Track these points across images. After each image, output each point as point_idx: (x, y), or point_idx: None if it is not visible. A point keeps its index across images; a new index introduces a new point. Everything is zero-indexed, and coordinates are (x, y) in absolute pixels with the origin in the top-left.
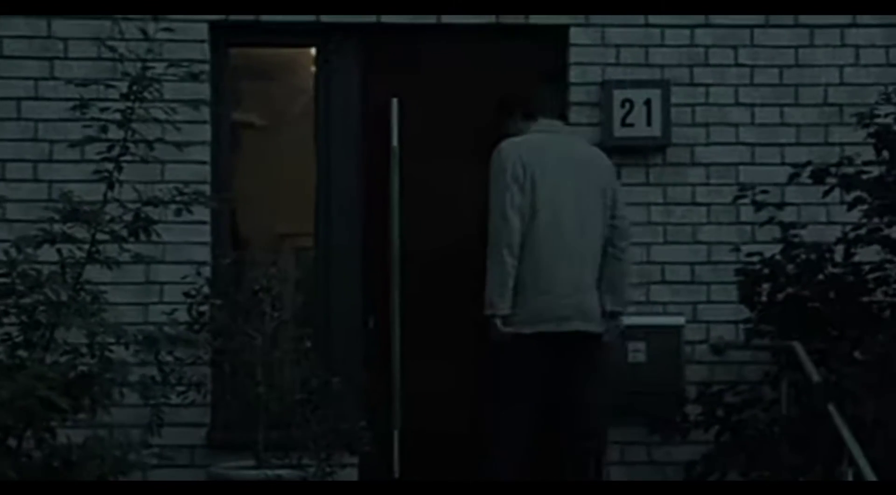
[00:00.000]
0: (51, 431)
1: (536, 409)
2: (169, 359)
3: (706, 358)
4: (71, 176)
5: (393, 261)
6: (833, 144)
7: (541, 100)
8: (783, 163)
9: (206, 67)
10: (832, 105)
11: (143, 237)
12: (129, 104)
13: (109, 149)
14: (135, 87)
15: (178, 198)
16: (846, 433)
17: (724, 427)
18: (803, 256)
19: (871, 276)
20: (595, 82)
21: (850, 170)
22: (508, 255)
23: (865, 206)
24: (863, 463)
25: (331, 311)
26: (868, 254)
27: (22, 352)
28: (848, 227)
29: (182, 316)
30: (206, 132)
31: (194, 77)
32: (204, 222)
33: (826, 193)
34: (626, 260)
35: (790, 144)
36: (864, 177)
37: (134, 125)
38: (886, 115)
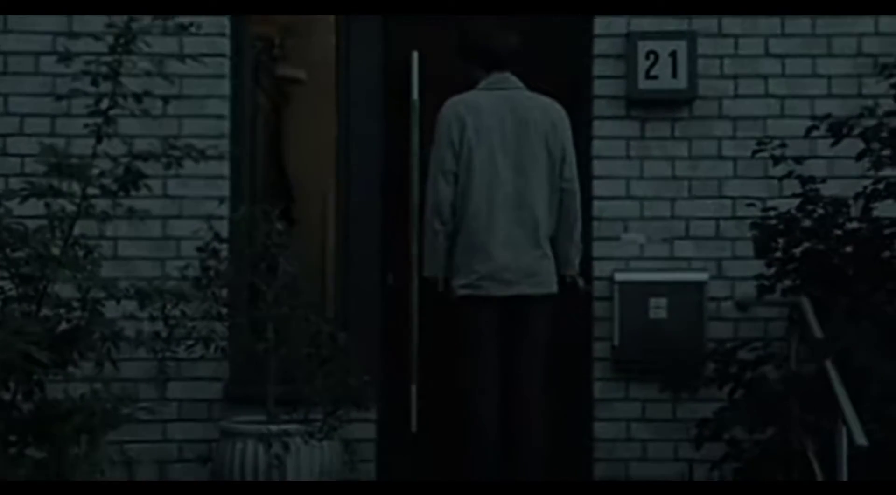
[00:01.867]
0: (39, 385)
1: (497, 366)
2: (177, 313)
3: (731, 314)
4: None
5: (412, 216)
6: (866, 96)
7: (493, 53)
8: (813, 116)
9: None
10: (866, 55)
11: (133, 191)
12: (117, 57)
13: (97, 102)
14: (121, 40)
15: (169, 153)
16: (840, 390)
17: (738, 384)
18: (820, 211)
19: (888, 231)
20: (620, 34)
21: (871, 121)
22: (437, 221)
23: (873, 158)
24: (853, 422)
25: (350, 267)
26: (891, 209)
27: (15, 306)
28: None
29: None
30: (224, 86)
31: (183, 28)
32: (223, 177)
33: (834, 144)
34: (572, 223)
35: (821, 96)
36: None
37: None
38: None
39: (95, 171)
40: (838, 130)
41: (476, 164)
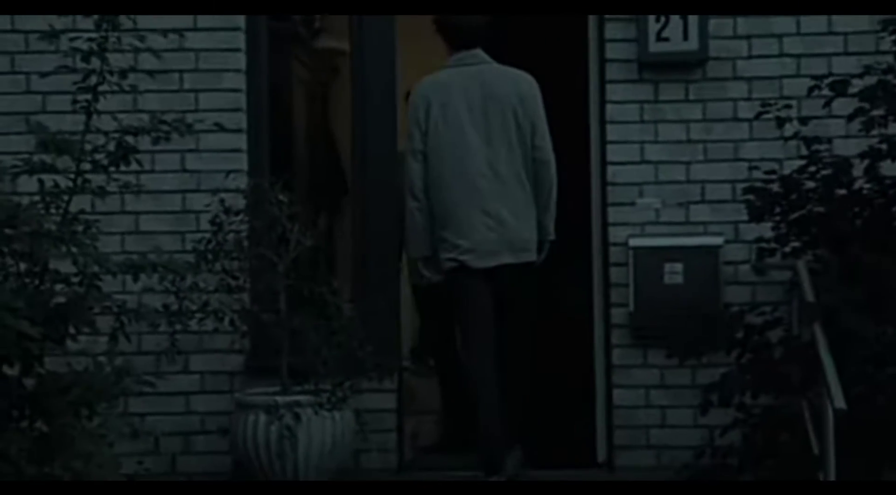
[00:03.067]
0: (38, 359)
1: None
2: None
3: (749, 278)
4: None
5: None
6: (885, 53)
7: (457, 32)
8: (831, 75)
9: None
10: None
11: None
12: (103, 34)
13: (84, 78)
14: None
15: (159, 127)
16: (825, 354)
17: (745, 349)
18: (824, 171)
19: (893, 191)
20: None
21: (873, 80)
22: (411, 199)
23: (864, 118)
24: (834, 385)
25: (369, 241)
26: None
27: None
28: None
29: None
30: (240, 60)
31: None
32: (240, 150)
33: (826, 104)
34: (547, 191)
35: (838, 54)
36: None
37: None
38: None
39: (88, 147)
40: (843, 90)
41: (445, 141)
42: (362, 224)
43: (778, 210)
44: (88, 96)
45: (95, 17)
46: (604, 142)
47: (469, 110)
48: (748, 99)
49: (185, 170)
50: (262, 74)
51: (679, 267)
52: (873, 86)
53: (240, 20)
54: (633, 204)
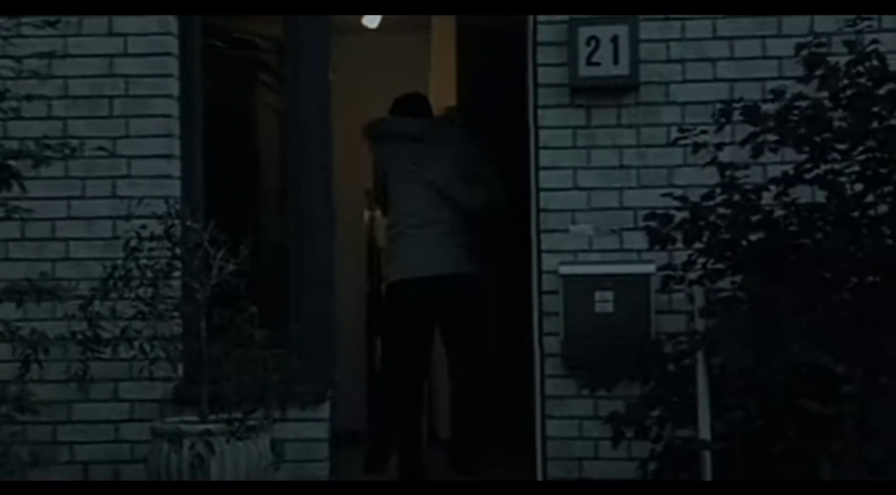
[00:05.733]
0: None
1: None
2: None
3: (684, 307)
4: None
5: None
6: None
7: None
8: (766, 100)
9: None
10: (820, 34)
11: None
12: None
13: None
14: None
15: (44, 152)
16: (701, 384)
17: (659, 379)
18: (736, 198)
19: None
20: (563, 21)
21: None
22: None
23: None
24: (703, 417)
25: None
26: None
27: None
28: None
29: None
30: (172, 86)
31: (49, 25)
32: (171, 176)
33: (719, 129)
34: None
35: (772, 78)
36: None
37: None
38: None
39: None
40: (754, 115)
41: (399, 180)
42: (298, 248)
43: (683, 237)
44: None
45: None
46: (537, 168)
47: (418, 157)
48: (681, 124)
49: (115, 197)
50: (196, 100)
51: (610, 295)
52: (782, 109)
53: (173, 45)
54: (565, 231)
